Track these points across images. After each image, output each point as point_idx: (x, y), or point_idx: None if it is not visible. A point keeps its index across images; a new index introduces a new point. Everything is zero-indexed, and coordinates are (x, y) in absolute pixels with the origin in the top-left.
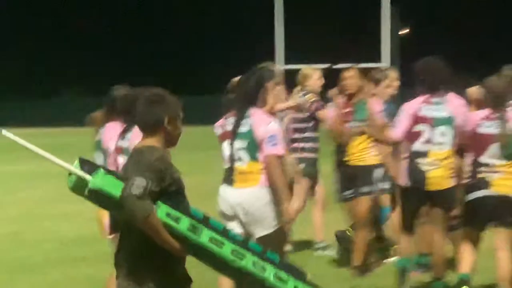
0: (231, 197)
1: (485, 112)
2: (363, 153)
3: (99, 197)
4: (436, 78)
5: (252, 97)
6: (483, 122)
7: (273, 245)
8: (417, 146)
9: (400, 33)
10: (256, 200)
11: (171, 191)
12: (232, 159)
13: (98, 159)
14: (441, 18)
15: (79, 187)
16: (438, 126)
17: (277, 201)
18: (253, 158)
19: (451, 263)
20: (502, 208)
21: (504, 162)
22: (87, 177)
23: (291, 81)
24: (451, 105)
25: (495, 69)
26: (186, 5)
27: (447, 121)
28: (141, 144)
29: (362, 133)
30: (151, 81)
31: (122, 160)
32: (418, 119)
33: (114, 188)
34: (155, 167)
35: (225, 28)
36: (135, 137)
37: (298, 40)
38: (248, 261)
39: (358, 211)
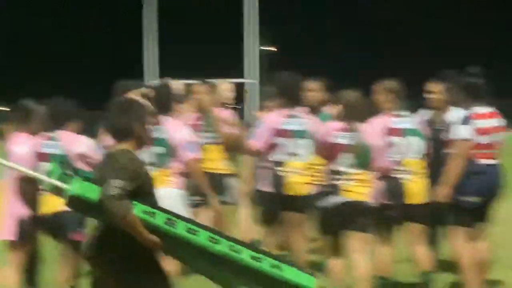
0: None
1: (340, 124)
2: (215, 162)
3: (78, 203)
4: (294, 93)
5: (165, 107)
6: (338, 133)
7: None
8: (277, 156)
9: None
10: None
11: (144, 190)
12: None
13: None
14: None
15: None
16: (296, 138)
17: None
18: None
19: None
20: (355, 213)
21: (356, 170)
22: (64, 186)
23: None
24: (307, 118)
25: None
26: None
27: (304, 133)
28: (114, 148)
29: (216, 143)
30: None
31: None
32: (277, 132)
33: (92, 192)
34: (129, 168)
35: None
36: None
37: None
38: (224, 246)
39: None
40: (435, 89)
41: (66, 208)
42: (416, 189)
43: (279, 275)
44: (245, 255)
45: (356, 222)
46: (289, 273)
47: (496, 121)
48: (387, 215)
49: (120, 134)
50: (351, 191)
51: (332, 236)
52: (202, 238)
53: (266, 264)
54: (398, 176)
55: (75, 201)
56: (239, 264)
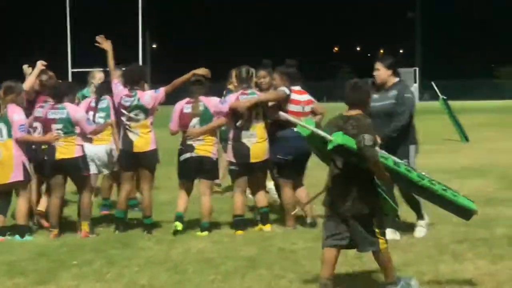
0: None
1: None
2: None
3: (342, 150)
4: None
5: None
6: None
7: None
8: None
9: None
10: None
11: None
12: None
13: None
14: None
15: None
16: None
17: None
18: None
19: None
20: (202, 165)
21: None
22: (329, 137)
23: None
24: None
25: None
26: None
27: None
28: (354, 113)
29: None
30: None
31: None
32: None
33: (350, 142)
34: (371, 127)
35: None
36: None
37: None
38: (426, 182)
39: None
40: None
41: (77, 154)
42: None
43: (450, 197)
44: (437, 187)
45: (204, 172)
46: (456, 196)
47: (306, 96)
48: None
49: (355, 104)
50: (198, 148)
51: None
52: (413, 175)
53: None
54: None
55: (339, 148)
56: (427, 188)
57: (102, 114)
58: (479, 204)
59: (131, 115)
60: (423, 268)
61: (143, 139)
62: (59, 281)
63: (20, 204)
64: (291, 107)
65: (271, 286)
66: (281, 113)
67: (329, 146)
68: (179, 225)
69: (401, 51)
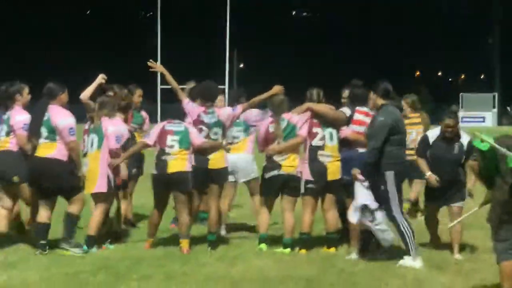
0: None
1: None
2: None
3: None
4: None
5: None
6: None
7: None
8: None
9: None
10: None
11: None
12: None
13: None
14: None
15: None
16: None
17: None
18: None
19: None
20: (288, 182)
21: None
22: (508, 153)
23: None
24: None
25: None
26: None
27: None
28: None
29: None
30: None
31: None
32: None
33: None
34: None
35: None
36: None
37: None
38: None
39: None
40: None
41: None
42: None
43: None
44: None
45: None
46: None
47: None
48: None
49: None
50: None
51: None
52: None
53: None
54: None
55: None
56: None
57: None
58: None
59: (211, 133)
60: None
61: (217, 156)
62: None
63: (96, 215)
64: (354, 127)
65: None
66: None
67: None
68: (264, 247)
69: (482, 76)
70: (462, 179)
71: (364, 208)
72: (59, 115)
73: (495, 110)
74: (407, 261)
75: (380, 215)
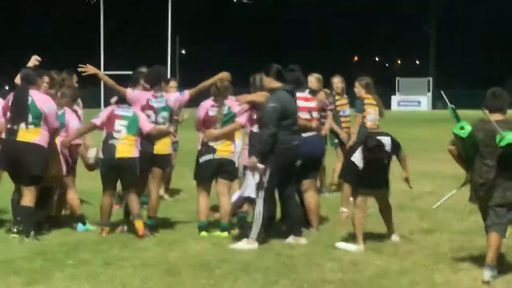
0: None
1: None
2: None
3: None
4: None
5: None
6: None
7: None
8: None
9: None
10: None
11: None
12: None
13: None
14: None
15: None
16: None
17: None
18: None
19: None
20: (222, 166)
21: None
22: (504, 134)
23: None
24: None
25: None
26: None
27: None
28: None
29: None
30: None
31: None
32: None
33: None
34: None
35: None
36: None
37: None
38: None
39: None
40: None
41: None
42: None
43: None
44: None
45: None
46: None
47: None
48: None
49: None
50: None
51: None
52: None
53: None
54: None
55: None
56: None
57: None
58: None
59: (158, 117)
60: (417, 277)
61: (163, 141)
62: (51, 281)
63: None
64: (300, 114)
65: None
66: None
67: (503, 143)
68: (204, 234)
69: (417, 62)
70: None
71: (246, 200)
72: (44, 101)
73: (430, 94)
74: (242, 244)
75: (258, 206)
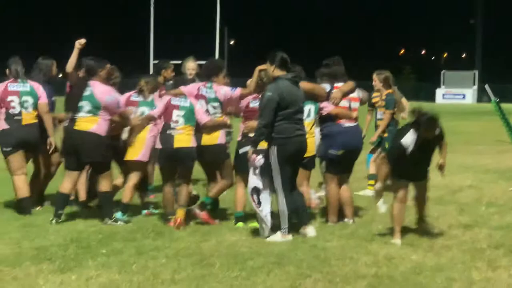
0: None
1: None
2: None
3: None
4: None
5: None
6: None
7: None
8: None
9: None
10: None
11: None
12: None
13: None
14: None
15: None
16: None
17: None
18: None
19: None
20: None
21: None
22: None
23: None
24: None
25: None
26: None
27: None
28: None
29: None
30: None
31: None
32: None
33: None
34: None
35: None
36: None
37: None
38: None
39: None
40: None
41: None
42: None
43: None
44: None
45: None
46: None
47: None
48: None
49: None
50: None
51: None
52: None
53: None
54: None
55: None
56: None
57: None
58: None
59: (209, 106)
60: (454, 274)
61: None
62: (83, 269)
63: (131, 183)
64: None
65: (294, 286)
66: None
67: None
68: (241, 225)
69: (463, 55)
70: None
71: (254, 191)
72: (104, 91)
73: (475, 87)
74: (276, 236)
75: (265, 199)
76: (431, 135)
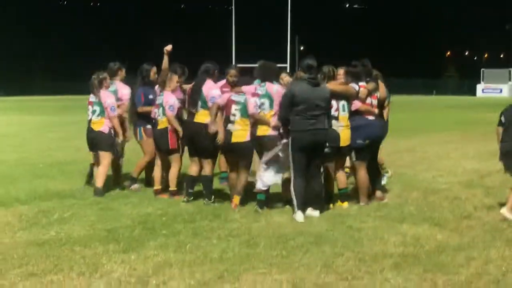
0: None
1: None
2: None
3: None
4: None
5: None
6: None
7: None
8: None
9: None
10: None
11: None
12: None
13: None
14: None
15: None
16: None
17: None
18: None
19: None
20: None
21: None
22: None
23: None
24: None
25: None
26: None
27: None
28: None
29: None
30: None
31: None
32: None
33: None
34: None
35: None
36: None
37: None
38: None
39: None
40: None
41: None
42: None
43: None
44: None
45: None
46: None
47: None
48: None
49: None
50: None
51: None
52: None
53: None
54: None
55: None
56: None
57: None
58: None
59: (259, 101)
60: (473, 253)
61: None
62: (143, 249)
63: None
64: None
65: (327, 264)
66: None
67: None
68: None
69: (501, 55)
70: None
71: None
72: (210, 88)
73: (511, 83)
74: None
75: (275, 170)
76: None
